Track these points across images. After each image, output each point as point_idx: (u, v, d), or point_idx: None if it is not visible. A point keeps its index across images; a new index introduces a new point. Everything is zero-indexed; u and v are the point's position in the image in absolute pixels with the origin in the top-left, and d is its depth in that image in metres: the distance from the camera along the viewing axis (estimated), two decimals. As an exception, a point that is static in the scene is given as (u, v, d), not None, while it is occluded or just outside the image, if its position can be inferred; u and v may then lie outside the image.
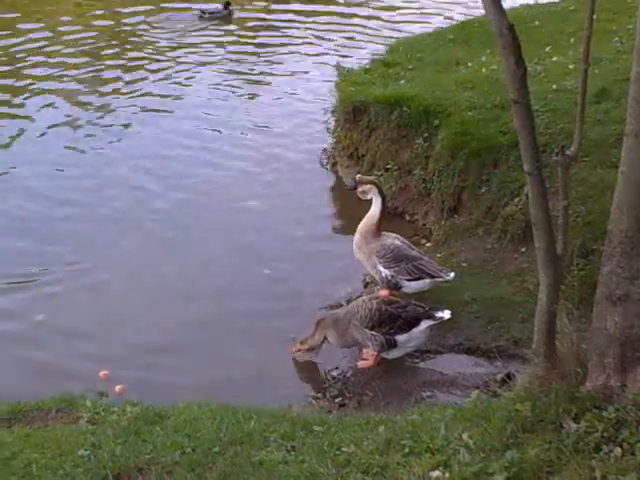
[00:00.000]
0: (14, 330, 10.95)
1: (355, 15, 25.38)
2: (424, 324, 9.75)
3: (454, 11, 25.22)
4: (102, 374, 9.88)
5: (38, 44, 22.19)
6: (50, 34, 23.02)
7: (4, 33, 22.78)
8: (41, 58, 21.26)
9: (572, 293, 8.94)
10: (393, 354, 9.92)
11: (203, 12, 24.39)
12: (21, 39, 22.50)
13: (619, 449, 5.87)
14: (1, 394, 8.99)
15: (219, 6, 24.55)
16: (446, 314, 9.84)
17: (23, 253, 12.73)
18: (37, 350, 10.53)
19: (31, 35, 22.83)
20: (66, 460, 6.89)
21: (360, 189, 11.02)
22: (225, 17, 24.50)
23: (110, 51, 22.07)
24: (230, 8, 24.56)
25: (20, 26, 23.45)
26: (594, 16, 6.79)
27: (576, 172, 11.04)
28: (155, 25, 24.08)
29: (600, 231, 7.59)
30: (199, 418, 7.57)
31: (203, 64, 21.24)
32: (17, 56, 21.36)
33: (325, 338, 9.97)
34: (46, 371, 10.05)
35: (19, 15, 24.48)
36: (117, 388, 9.60)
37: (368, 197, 10.95)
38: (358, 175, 11.62)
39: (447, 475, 6.03)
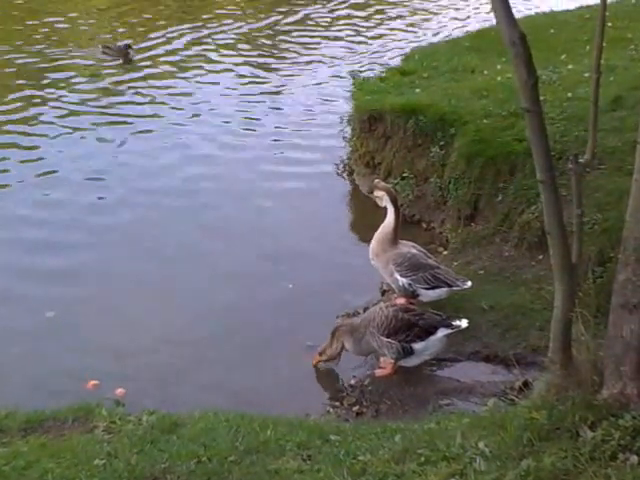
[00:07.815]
0: (24, 326, 11.03)
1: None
2: (441, 332, 9.74)
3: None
4: (91, 384, 9.73)
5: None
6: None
7: None
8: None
9: (589, 301, 8.89)
10: (410, 362, 9.90)
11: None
12: None
13: (635, 457, 5.82)
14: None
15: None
16: (463, 323, 9.83)
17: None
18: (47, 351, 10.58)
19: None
20: (82, 470, 6.84)
21: (375, 193, 11.06)
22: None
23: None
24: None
25: None
26: (609, 24, 6.82)
27: (592, 179, 11.04)
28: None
29: (617, 238, 7.54)
30: (215, 427, 7.55)
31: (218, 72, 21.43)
32: None
33: (343, 346, 9.96)
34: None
35: None
36: (119, 391, 9.49)
37: (383, 204, 10.96)
38: (376, 180, 11.66)
39: (463, 484, 6.00)
